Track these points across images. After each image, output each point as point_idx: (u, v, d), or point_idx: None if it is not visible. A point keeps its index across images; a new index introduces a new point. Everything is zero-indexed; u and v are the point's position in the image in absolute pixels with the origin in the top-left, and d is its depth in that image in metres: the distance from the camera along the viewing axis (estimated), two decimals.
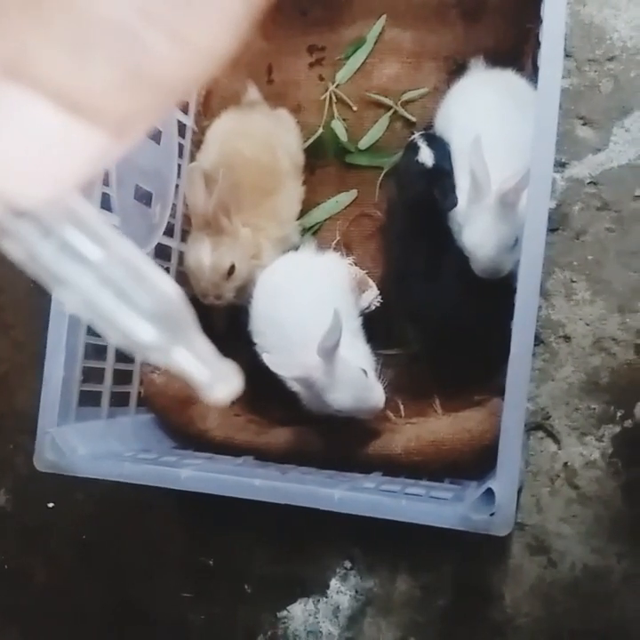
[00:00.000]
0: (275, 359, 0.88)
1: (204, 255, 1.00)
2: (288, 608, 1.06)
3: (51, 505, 1.16)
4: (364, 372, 0.90)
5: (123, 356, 1.02)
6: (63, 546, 1.16)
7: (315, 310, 0.94)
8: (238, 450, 1.00)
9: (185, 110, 1.14)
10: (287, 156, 1.09)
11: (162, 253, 1.09)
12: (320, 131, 1.13)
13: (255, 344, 0.98)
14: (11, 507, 1.19)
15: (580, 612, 0.96)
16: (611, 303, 0.98)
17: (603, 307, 0.98)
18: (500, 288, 0.88)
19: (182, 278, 1.08)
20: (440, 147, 1.00)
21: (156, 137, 1.05)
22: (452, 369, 0.98)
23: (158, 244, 1.06)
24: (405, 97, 1.10)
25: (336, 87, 1.13)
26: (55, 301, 0.90)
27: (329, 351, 0.86)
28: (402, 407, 1.01)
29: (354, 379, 0.89)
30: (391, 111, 1.11)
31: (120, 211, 0.96)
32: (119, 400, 1.03)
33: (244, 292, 1.02)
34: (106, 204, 0.94)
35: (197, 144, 1.13)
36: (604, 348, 0.98)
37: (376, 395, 0.90)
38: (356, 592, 1.04)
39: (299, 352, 0.88)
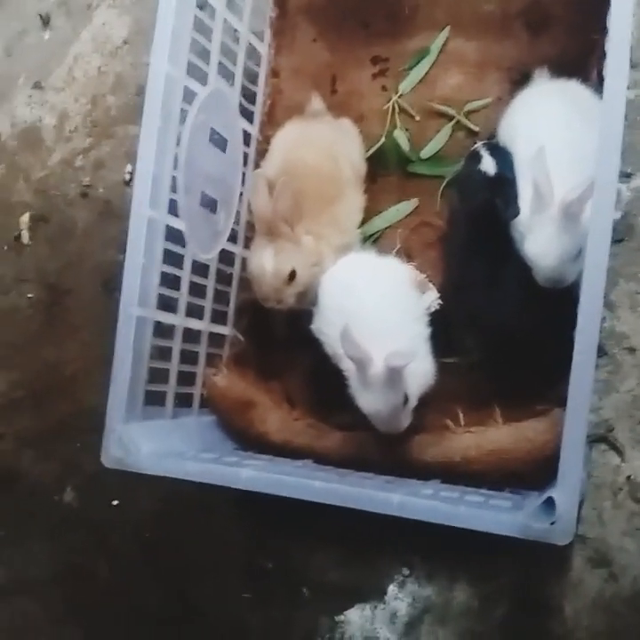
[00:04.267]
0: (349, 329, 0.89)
1: (265, 261, 1.02)
2: (345, 613, 1.07)
3: (115, 502, 1.19)
4: (406, 398, 0.91)
5: (187, 358, 1.05)
6: (126, 543, 1.19)
7: (383, 304, 0.96)
8: (297, 453, 1.02)
9: (250, 120, 1.17)
10: (349, 165, 1.10)
11: (226, 259, 1.12)
12: (382, 140, 1.14)
13: (316, 347, 1.00)
14: (77, 503, 1.22)
15: None
16: None
17: None
18: (563, 298, 0.87)
19: (245, 283, 1.11)
20: (502, 156, 1.00)
21: (222, 145, 1.07)
22: (512, 378, 0.97)
23: (222, 249, 1.09)
24: (468, 107, 1.11)
25: (399, 97, 1.14)
26: (123, 303, 0.93)
27: (394, 370, 0.87)
28: (461, 416, 1.01)
29: (392, 399, 0.90)
30: (454, 121, 1.11)
31: (186, 217, 0.98)
32: (183, 401, 1.05)
33: (306, 297, 1.03)
34: (173, 209, 0.97)
35: (262, 153, 1.15)
36: None
37: (400, 422, 0.92)
38: (414, 599, 1.04)
39: (366, 341, 0.88)
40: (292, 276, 1.02)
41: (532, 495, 0.85)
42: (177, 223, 0.98)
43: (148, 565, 1.17)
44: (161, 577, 1.16)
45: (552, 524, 0.74)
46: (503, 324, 0.95)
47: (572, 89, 1.00)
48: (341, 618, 1.07)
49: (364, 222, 1.12)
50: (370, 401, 0.91)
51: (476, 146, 1.03)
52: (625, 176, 1.00)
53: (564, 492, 0.74)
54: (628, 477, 0.96)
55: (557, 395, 0.82)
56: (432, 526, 0.79)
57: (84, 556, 1.21)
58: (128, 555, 1.18)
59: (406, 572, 1.05)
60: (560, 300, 0.87)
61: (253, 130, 1.17)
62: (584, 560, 0.97)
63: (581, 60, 1.03)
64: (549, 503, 0.75)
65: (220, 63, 1.06)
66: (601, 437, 0.97)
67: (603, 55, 0.82)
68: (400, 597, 1.04)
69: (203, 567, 1.14)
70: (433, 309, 1.02)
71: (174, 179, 0.96)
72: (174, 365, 1.02)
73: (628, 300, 0.98)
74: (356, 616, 1.06)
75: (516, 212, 0.95)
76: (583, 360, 0.76)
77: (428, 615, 1.03)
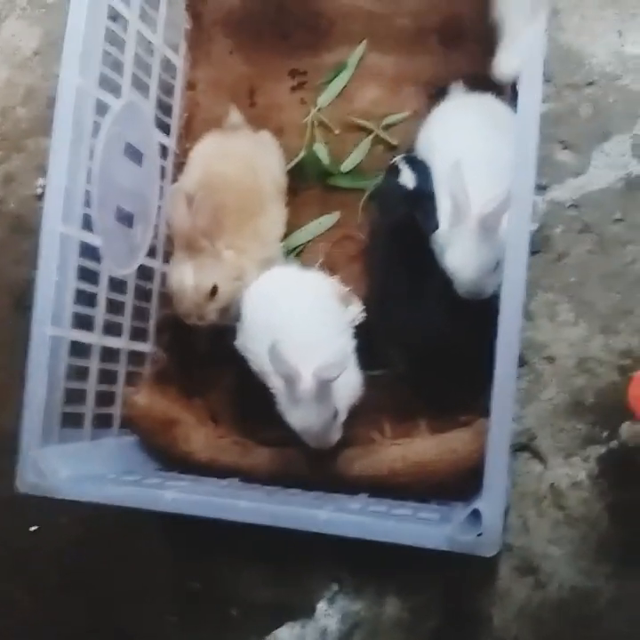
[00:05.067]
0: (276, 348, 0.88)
1: (186, 276, 1.00)
2: (275, 632, 1.05)
3: (33, 528, 1.15)
4: (336, 412, 0.91)
5: (106, 377, 1.02)
6: (47, 570, 1.14)
7: (307, 318, 0.96)
8: (223, 471, 1.00)
9: (167, 132, 1.15)
10: (270, 179, 1.10)
11: (144, 274, 1.09)
12: (302, 153, 1.13)
13: (240, 363, 0.99)
14: None
15: (568, 633, 0.96)
16: (593, 324, 0.99)
17: (586, 328, 0.99)
18: (484, 309, 0.88)
19: (165, 299, 1.08)
20: (421, 169, 1.01)
21: (137, 158, 1.05)
22: (436, 390, 0.98)
23: (141, 265, 1.06)
24: (387, 121, 1.12)
25: (318, 111, 1.14)
26: (36, 322, 0.89)
27: (324, 382, 0.87)
28: (388, 428, 1.01)
29: (322, 414, 0.89)
30: (373, 134, 1.12)
31: (102, 231, 0.96)
32: (102, 422, 1.02)
33: (228, 313, 1.02)
34: (87, 224, 0.94)
35: (180, 166, 1.14)
36: (588, 368, 0.99)
37: (331, 437, 0.92)
38: (344, 615, 1.03)
39: (292, 358, 0.88)
40: (214, 291, 1.00)
41: (459, 506, 0.85)
42: (92, 238, 0.95)
43: (72, 592, 1.13)
44: (85, 604, 1.12)
45: (479, 535, 0.75)
46: (426, 335, 0.96)
47: (487, 103, 1.02)
48: (271, 638, 1.05)
49: (286, 236, 1.11)
50: (300, 417, 0.90)
51: (394, 159, 1.04)
52: (540, 188, 1.02)
53: (490, 504, 0.75)
54: (551, 485, 0.98)
55: (481, 405, 0.83)
56: (360, 540, 0.79)
57: (3, 585, 1.16)
58: (50, 582, 1.14)
59: (335, 587, 1.04)
60: (481, 311, 0.89)
61: (170, 143, 1.15)
62: (511, 569, 0.98)
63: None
64: (475, 515, 0.75)
65: (134, 75, 1.04)
66: (524, 446, 0.99)
67: None
68: (330, 614, 1.03)
69: (129, 592, 1.11)
70: (357, 322, 1.02)
71: (88, 193, 0.94)
72: (92, 385, 0.99)
73: (546, 309, 1.01)
74: (286, 635, 1.05)
75: (436, 226, 0.96)
76: (504, 370, 0.77)
77: (358, 630, 1.03)
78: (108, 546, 1.12)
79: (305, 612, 1.04)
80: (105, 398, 1.02)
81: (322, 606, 1.04)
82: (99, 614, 1.12)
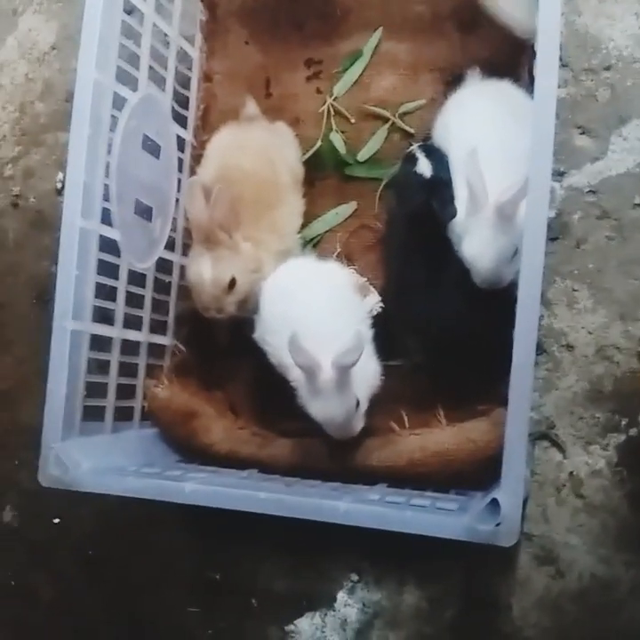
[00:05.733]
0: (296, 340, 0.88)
1: (204, 269, 1.00)
2: (295, 622, 1.06)
3: (56, 520, 1.16)
4: (357, 402, 0.91)
5: (126, 371, 1.02)
6: (69, 561, 1.16)
7: (325, 309, 0.96)
8: (243, 463, 1.01)
9: (184, 125, 1.15)
10: (287, 169, 1.10)
11: (163, 267, 1.10)
12: (319, 143, 1.13)
13: (259, 355, 0.99)
14: (17, 522, 1.19)
15: (588, 621, 0.96)
16: (612, 311, 0.98)
17: (605, 315, 0.98)
18: (502, 298, 0.87)
19: (184, 292, 1.09)
20: (438, 157, 1.01)
21: (155, 152, 1.05)
22: (454, 379, 0.98)
23: (160, 258, 1.07)
24: (403, 109, 1.11)
25: (334, 100, 1.14)
26: (56, 317, 0.90)
27: (344, 369, 0.87)
28: (406, 418, 1.01)
29: (344, 404, 0.89)
30: (389, 123, 1.12)
31: (120, 225, 0.96)
32: (123, 414, 1.03)
33: (246, 305, 1.02)
34: (106, 218, 0.95)
35: (197, 158, 1.14)
36: (607, 356, 0.98)
37: (353, 427, 0.92)
38: (364, 605, 1.04)
39: (312, 349, 0.88)
40: (232, 284, 1.00)
41: (477, 496, 0.85)
42: (111, 233, 0.96)
43: (94, 583, 1.15)
44: (107, 594, 1.14)
45: (497, 525, 0.74)
46: (443, 325, 0.95)
47: (504, 89, 1.01)
48: (291, 627, 1.06)
49: (303, 227, 1.11)
50: (322, 408, 0.90)
51: (411, 148, 1.04)
52: (558, 174, 1.01)
53: (508, 494, 0.75)
54: (571, 473, 0.98)
55: (499, 394, 0.82)
56: (380, 531, 0.79)
57: (27, 576, 1.18)
58: (72, 573, 1.16)
59: (355, 577, 1.05)
60: (499, 299, 0.88)
61: (188, 135, 1.16)
62: (530, 558, 0.98)
63: (512, 59, 1.04)
64: (494, 504, 0.75)
65: (150, 68, 1.04)
66: (543, 435, 0.99)
67: (533, 54, 0.83)
68: (350, 604, 1.04)
69: (150, 582, 1.12)
70: (375, 312, 1.02)
71: (106, 187, 0.94)
72: (113, 378, 1.00)
73: (564, 297, 1.00)
74: (306, 625, 1.06)
75: (453, 214, 0.96)
76: (522, 359, 0.76)
77: (378, 620, 1.03)
78: (129, 537, 1.13)
79: (325, 601, 1.05)
80: (125, 391, 1.03)
81: (342, 596, 1.05)
82: (120, 604, 1.13)
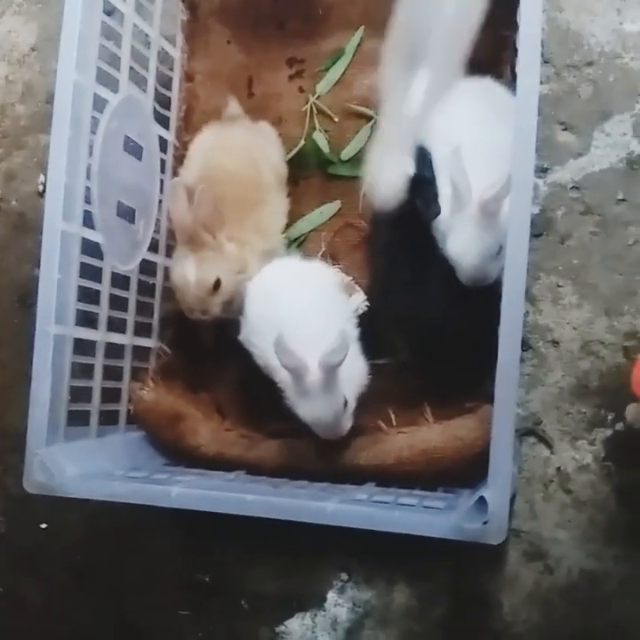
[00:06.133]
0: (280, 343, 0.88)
1: (188, 271, 1.00)
2: (286, 623, 1.06)
3: (43, 526, 1.15)
4: (345, 401, 0.91)
5: (111, 374, 1.02)
6: (57, 567, 1.15)
7: (310, 309, 0.95)
8: (230, 464, 1.00)
9: (166, 126, 1.14)
10: (270, 169, 1.09)
11: (147, 270, 1.09)
12: (302, 142, 1.13)
13: (245, 357, 0.99)
14: (3, 528, 1.18)
15: (578, 616, 0.96)
16: (597, 306, 0.98)
17: (590, 310, 0.99)
18: (487, 295, 0.87)
19: (169, 294, 1.08)
20: (421, 156, 1.00)
21: (137, 153, 1.05)
22: (441, 377, 0.98)
23: (143, 260, 1.06)
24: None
25: (316, 99, 1.14)
26: (39, 321, 0.89)
27: (330, 368, 0.87)
28: (393, 417, 1.01)
29: (332, 404, 0.89)
30: (372, 121, 1.11)
31: (103, 228, 0.96)
32: (108, 418, 1.02)
33: (231, 306, 1.02)
34: (88, 221, 0.94)
35: (180, 159, 1.13)
36: (593, 351, 0.98)
37: (342, 427, 0.92)
38: (354, 604, 1.04)
39: (298, 350, 0.88)
40: (217, 285, 1.00)
41: (465, 493, 0.85)
42: (93, 235, 0.95)
43: (83, 588, 1.14)
44: (96, 599, 1.13)
45: (485, 523, 0.74)
46: (429, 323, 0.95)
47: (486, 86, 1.00)
48: (282, 628, 1.06)
49: (287, 226, 1.11)
50: (310, 409, 0.90)
51: None
52: (541, 171, 1.01)
53: (496, 491, 0.75)
54: (558, 469, 0.98)
55: (485, 391, 0.82)
56: (368, 530, 0.79)
57: (15, 582, 1.17)
58: (60, 578, 1.15)
59: (345, 577, 1.04)
60: (484, 297, 0.88)
61: (170, 136, 1.15)
62: (519, 554, 0.98)
63: (494, 57, 1.04)
64: (481, 502, 0.75)
65: (131, 69, 1.03)
66: (529, 431, 0.99)
67: (514, 51, 0.83)
68: (340, 603, 1.04)
69: (139, 586, 1.12)
70: (360, 311, 1.02)
71: (88, 189, 0.93)
72: (97, 382, 0.99)
73: (549, 293, 1.00)
74: (296, 625, 1.05)
75: (437, 212, 0.95)
76: (508, 355, 0.77)
77: (368, 619, 1.03)
78: (117, 541, 1.13)
79: (315, 602, 1.05)
80: (111, 395, 1.03)
81: (332, 596, 1.04)
82: (109, 609, 1.13)
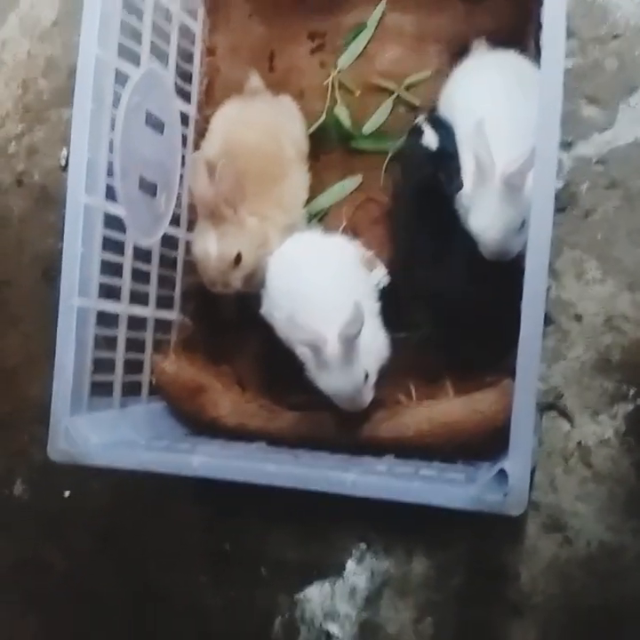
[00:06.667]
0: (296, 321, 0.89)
1: (210, 245, 1.00)
2: (305, 591, 1.07)
3: (67, 494, 1.17)
4: (366, 375, 0.91)
5: (133, 346, 1.03)
6: (81, 534, 1.17)
7: (331, 283, 0.96)
8: (251, 436, 1.01)
9: (188, 100, 1.14)
10: (291, 144, 1.09)
11: (169, 243, 1.10)
12: (323, 117, 1.12)
13: (266, 329, 0.99)
14: (28, 496, 1.20)
15: (596, 588, 0.97)
16: (621, 281, 0.98)
17: (613, 285, 0.98)
18: (509, 269, 0.87)
19: (190, 267, 1.09)
20: (444, 130, 1.00)
21: (158, 127, 1.05)
22: (462, 351, 0.98)
23: (165, 234, 1.07)
24: (408, 81, 1.10)
25: (338, 73, 1.13)
26: (63, 294, 0.90)
27: (348, 340, 0.87)
28: (413, 390, 1.01)
29: (353, 377, 0.90)
30: (394, 95, 1.10)
31: (125, 201, 0.96)
32: (131, 389, 1.03)
33: (252, 280, 1.02)
34: (111, 195, 0.95)
35: (201, 133, 1.13)
36: (615, 326, 0.97)
37: (363, 399, 0.92)
38: (372, 573, 1.05)
39: (317, 323, 0.89)
40: (238, 259, 1.00)
41: (485, 466, 0.85)
42: (116, 209, 0.96)
43: (104, 555, 1.16)
44: (118, 566, 1.15)
45: (505, 495, 0.75)
46: (451, 297, 0.95)
47: (511, 59, 0.99)
48: (301, 596, 1.07)
49: (308, 201, 1.11)
50: (330, 381, 0.90)
51: (417, 120, 1.03)
52: (566, 145, 1.00)
53: (516, 464, 0.75)
54: (579, 443, 0.98)
55: (507, 365, 0.82)
56: (387, 500, 0.80)
57: (39, 549, 1.19)
58: (83, 545, 1.17)
59: (364, 546, 1.05)
60: (506, 271, 0.88)
61: (191, 110, 1.15)
62: (538, 526, 0.99)
63: (518, 30, 1.03)
64: (502, 475, 0.75)
65: (152, 43, 1.03)
66: (551, 405, 0.99)
67: (539, 25, 0.82)
68: (358, 572, 1.05)
69: (160, 554, 1.13)
70: (382, 286, 1.02)
71: (110, 163, 0.94)
72: (120, 354, 1.00)
73: (572, 267, 0.99)
74: (315, 593, 1.07)
75: (460, 186, 0.95)
76: (530, 330, 0.76)
77: (386, 588, 1.04)
78: (139, 509, 1.14)
79: (334, 570, 1.06)
80: (133, 366, 1.03)
81: (350, 565, 1.06)
82: (131, 576, 1.15)
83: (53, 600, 1.18)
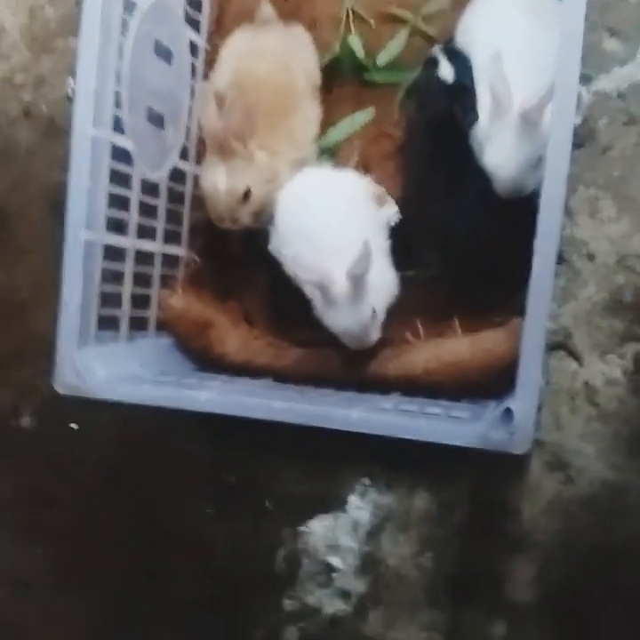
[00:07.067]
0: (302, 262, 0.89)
1: (218, 179, 0.99)
2: (308, 523, 1.09)
3: (74, 427, 1.18)
4: (374, 312, 0.91)
5: (140, 281, 1.02)
6: (87, 467, 1.18)
7: (341, 220, 0.94)
8: (258, 373, 1.01)
9: (197, 29, 1.11)
10: (303, 75, 1.06)
11: (177, 177, 1.08)
12: (336, 48, 1.09)
13: (275, 266, 0.98)
14: (35, 429, 1.21)
15: (597, 526, 0.97)
16: (636, 220, 0.96)
17: (627, 224, 0.96)
18: (523, 207, 0.85)
19: (198, 202, 1.07)
20: (460, 62, 0.97)
21: (167, 57, 1.03)
22: (471, 290, 0.97)
23: (173, 167, 1.05)
24: (425, 10, 1.07)
25: (353, 1, 1.09)
26: (70, 227, 0.89)
27: (357, 279, 0.87)
28: (421, 328, 1.01)
29: (360, 315, 0.90)
30: (410, 26, 1.07)
31: (132, 133, 0.95)
32: (139, 324, 1.03)
33: (261, 216, 1.01)
34: (118, 126, 0.93)
35: (211, 64, 1.10)
36: (628, 266, 0.96)
37: (370, 338, 0.92)
38: (375, 508, 1.06)
39: (325, 261, 0.88)
40: (247, 194, 0.99)
41: (491, 405, 0.85)
42: (123, 141, 0.94)
43: (110, 488, 1.17)
44: (123, 498, 1.17)
45: (510, 434, 0.75)
46: (462, 235, 0.94)
47: None
48: (304, 528, 1.09)
49: (319, 135, 1.08)
50: (338, 319, 0.90)
51: (432, 51, 1.00)
52: (585, 79, 0.97)
53: (522, 403, 0.75)
54: (586, 382, 0.98)
55: (516, 305, 0.82)
56: (392, 437, 0.80)
57: (45, 482, 1.21)
58: (89, 478, 1.18)
59: (367, 482, 1.06)
60: (519, 209, 0.86)
61: (200, 40, 1.12)
62: (541, 464, 0.99)
63: None
64: (508, 413, 0.75)
65: None
66: (559, 345, 0.98)
67: None
68: (361, 507, 1.06)
69: (166, 487, 1.15)
70: (392, 223, 1.01)
71: (117, 94, 0.92)
72: (127, 288, 1.00)
73: (587, 206, 0.98)
74: (318, 526, 1.08)
75: (475, 120, 0.93)
76: (543, 268, 0.75)
77: (388, 523, 1.06)
78: (146, 443, 1.15)
79: (337, 505, 1.07)
80: (140, 301, 1.03)
81: (354, 500, 1.06)
82: (137, 509, 1.16)
83: (58, 532, 1.20)
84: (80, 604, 1.19)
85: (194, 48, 1.10)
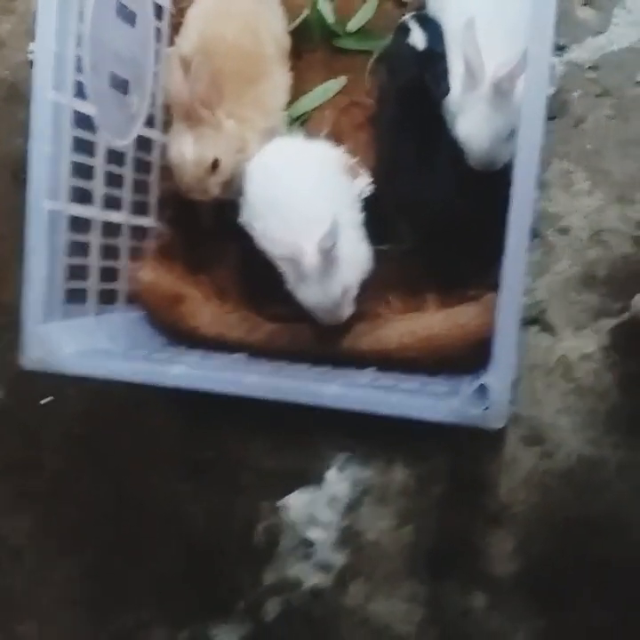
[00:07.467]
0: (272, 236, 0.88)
1: (186, 149, 0.97)
2: (285, 498, 1.09)
3: (44, 401, 1.16)
4: (346, 288, 0.90)
5: (108, 253, 1.00)
6: (57, 442, 1.17)
7: (312, 192, 0.93)
8: (230, 347, 1.00)
9: None
10: (272, 40, 1.04)
11: (143, 146, 1.05)
12: (306, 12, 1.06)
13: (246, 239, 0.96)
14: (6, 401, 1.19)
15: (574, 500, 0.99)
16: (610, 194, 0.96)
17: (601, 198, 0.97)
18: (496, 180, 0.85)
19: (167, 173, 1.05)
20: (432, 29, 0.95)
21: (130, 19, 0.99)
22: (445, 264, 0.97)
23: (139, 135, 1.03)
24: None
25: None
26: (32, 196, 0.87)
27: (327, 252, 0.86)
28: (395, 303, 1.00)
29: (331, 290, 0.89)
30: None
31: (95, 99, 0.92)
32: (108, 298, 1.00)
33: (231, 187, 0.99)
34: (80, 92, 0.90)
35: (176, 27, 1.07)
36: (602, 240, 0.97)
37: (341, 313, 0.92)
38: (353, 482, 1.06)
39: (296, 234, 0.87)
40: (216, 164, 0.97)
41: (467, 380, 0.85)
42: (85, 107, 0.91)
43: (83, 464, 1.16)
44: (97, 475, 1.15)
45: (485, 409, 0.75)
46: (435, 208, 0.93)
47: None
48: (282, 503, 1.09)
49: (289, 104, 1.06)
50: (310, 294, 0.89)
51: (404, 18, 0.98)
52: (559, 49, 0.97)
53: (498, 378, 0.75)
54: (561, 357, 0.98)
55: (490, 280, 0.81)
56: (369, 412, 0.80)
57: (15, 456, 1.19)
58: (60, 454, 1.17)
59: (345, 456, 1.07)
60: (492, 182, 0.86)
61: (165, 2, 1.08)
62: (518, 438, 1.00)
63: None
64: (483, 388, 0.75)
65: None
66: (534, 319, 0.99)
67: None
68: (340, 481, 1.07)
69: (140, 461, 1.14)
70: (365, 195, 1.00)
71: (79, 58, 0.89)
72: (95, 261, 0.97)
73: (561, 179, 0.98)
74: (296, 500, 1.08)
75: (447, 90, 0.91)
76: (516, 243, 0.75)
77: (367, 497, 1.06)
78: (118, 417, 1.14)
79: (315, 478, 1.08)
80: (108, 274, 1.00)
81: (332, 474, 1.07)
82: (111, 485, 1.15)
83: (35, 506, 1.18)
84: (68, 570, 1.18)
85: (159, 10, 1.06)
